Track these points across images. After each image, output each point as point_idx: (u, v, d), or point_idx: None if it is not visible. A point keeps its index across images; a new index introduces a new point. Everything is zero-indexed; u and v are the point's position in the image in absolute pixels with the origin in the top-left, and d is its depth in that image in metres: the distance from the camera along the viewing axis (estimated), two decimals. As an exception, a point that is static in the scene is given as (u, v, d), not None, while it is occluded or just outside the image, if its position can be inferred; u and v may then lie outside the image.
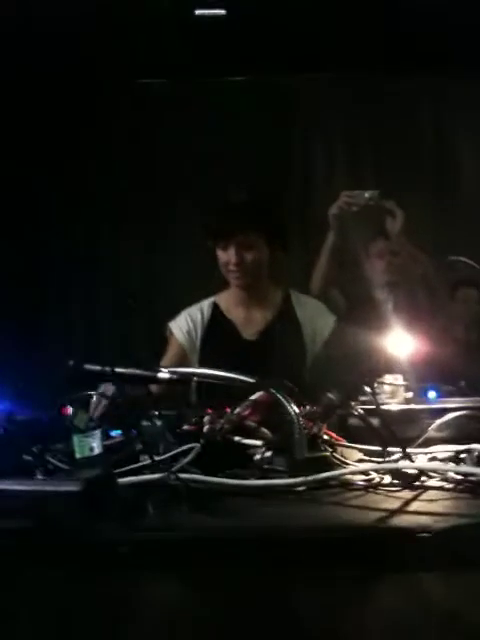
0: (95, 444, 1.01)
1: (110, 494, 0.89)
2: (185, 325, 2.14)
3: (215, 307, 2.17)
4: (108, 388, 1.37)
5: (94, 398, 1.43)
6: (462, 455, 1.09)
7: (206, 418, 1.28)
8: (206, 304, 2.18)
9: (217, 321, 2.13)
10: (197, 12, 3.07)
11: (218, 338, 2.10)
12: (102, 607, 0.78)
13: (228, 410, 1.26)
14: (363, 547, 0.75)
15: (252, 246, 2.02)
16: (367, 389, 1.20)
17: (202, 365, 2.06)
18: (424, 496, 0.98)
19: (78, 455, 1.00)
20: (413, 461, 1.09)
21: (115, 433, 1.35)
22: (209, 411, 1.31)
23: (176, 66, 3.27)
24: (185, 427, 1.29)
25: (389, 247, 2.68)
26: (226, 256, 2.03)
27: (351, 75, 3.56)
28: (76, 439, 1.01)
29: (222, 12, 3.08)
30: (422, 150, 3.73)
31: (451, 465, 1.08)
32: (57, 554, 0.77)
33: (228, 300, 2.17)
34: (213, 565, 0.77)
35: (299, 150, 3.76)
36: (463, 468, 1.04)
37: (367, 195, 2.51)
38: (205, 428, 1.25)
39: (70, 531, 0.81)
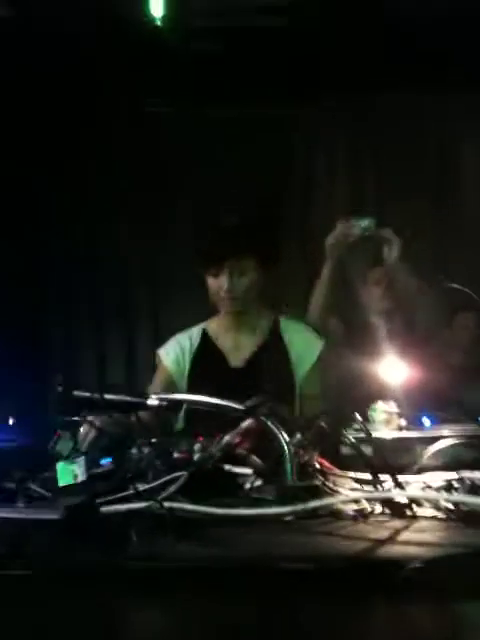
0: (79, 471, 0.99)
1: (92, 522, 0.86)
2: (173, 352, 2.12)
3: (204, 334, 2.15)
4: (97, 417, 1.36)
5: (83, 428, 1.42)
6: (454, 484, 1.06)
7: (197, 446, 1.26)
8: (196, 331, 2.16)
9: (206, 348, 2.12)
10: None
11: (205, 366, 2.08)
12: (82, 638, 0.75)
13: (219, 437, 1.24)
14: (352, 578, 0.73)
15: (244, 272, 2.01)
16: (358, 417, 1.18)
17: (190, 393, 2.04)
18: (415, 526, 0.96)
19: (61, 483, 0.98)
20: (404, 490, 1.07)
21: (105, 461, 1.33)
22: (200, 439, 1.29)
23: (176, 86, 3.30)
24: (176, 455, 1.27)
25: (386, 274, 2.67)
26: (217, 283, 2.02)
27: (349, 99, 3.59)
28: (60, 466, 0.98)
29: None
30: (423, 173, 3.73)
31: (443, 494, 1.05)
32: (34, 583, 0.74)
33: (218, 326, 2.15)
34: (197, 595, 0.74)
35: (298, 175, 3.77)
36: (454, 497, 1.01)
37: (363, 224, 2.51)
38: (196, 456, 1.24)
39: (48, 559, 0.78)
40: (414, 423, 1.47)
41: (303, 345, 2.10)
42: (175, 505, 0.98)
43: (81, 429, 1.45)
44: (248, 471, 1.17)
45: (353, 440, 1.16)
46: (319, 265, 2.58)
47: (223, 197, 3.16)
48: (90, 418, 1.36)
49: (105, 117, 3.59)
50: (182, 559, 0.78)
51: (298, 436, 1.17)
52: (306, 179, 3.78)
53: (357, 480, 1.21)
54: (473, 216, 3.67)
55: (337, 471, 1.24)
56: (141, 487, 1.07)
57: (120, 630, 0.72)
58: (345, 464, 1.25)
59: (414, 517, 0.99)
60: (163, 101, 3.51)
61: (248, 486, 1.14)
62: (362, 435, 1.28)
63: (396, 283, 2.67)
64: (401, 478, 1.20)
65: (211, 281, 2.03)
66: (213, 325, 2.16)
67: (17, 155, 3.34)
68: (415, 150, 3.71)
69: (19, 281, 3.36)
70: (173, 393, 1.96)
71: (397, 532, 0.92)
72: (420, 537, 0.89)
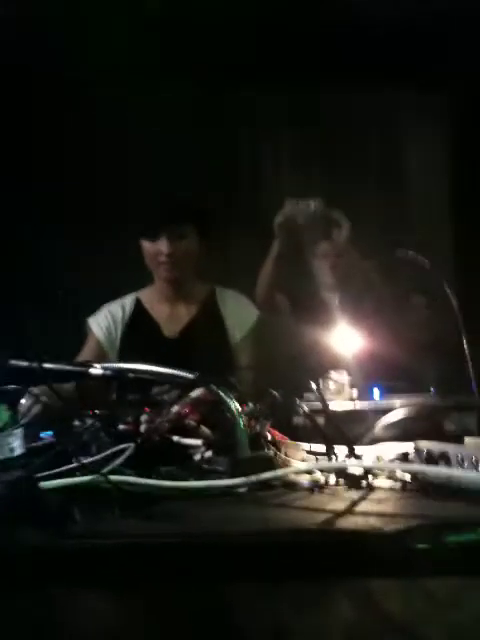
0: (16, 444, 0.90)
1: (30, 499, 0.78)
2: (104, 321, 2.04)
3: (138, 303, 2.08)
4: (38, 388, 1.27)
5: (24, 399, 1.32)
6: (410, 454, 1.02)
7: (143, 417, 1.18)
8: (128, 300, 2.09)
9: (139, 318, 2.05)
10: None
11: (138, 336, 2.02)
12: (22, 624, 0.67)
13: (167, 408, 1.17)
14: (310, 552, 0.67)
15: (184, 236, 1.94)
16: (313, 386, 1.13)
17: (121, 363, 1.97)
18: (372, 496, 0.91)
19: (-2, 456, 0.90)
20: (360, 459, 1.02)
21: (45, 434, 1.24)
22: (146, 409, 1.22)
23: (114, 65, 3.15)
24: (121, 426, 1.19)
25: (333, 249, 2.64)
26: (156, 246, 1.94)
27: (296, 82, 3.51)
28: (-5, 438, 0.90)
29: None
30: (368, 150, 3.71)
31: (399, 463, 1.01)
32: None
33: (152, 296, 2.08)
34: (144, 574, 0.67)
35: (242, 153, 3.69)
36: (411, 466, 0.97)
37: (312, 205, 2.47)
38: (142, 427, 1.16)
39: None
40: (365, 394, 1.44)
41: (238, 314, 2.06)
42: (121, 478, 0.91)
43: (22, 401, 1.36)
44: (198, 442, 1.10)
45: (306, 410, 1.11)
46: (268, 243, 2.54)
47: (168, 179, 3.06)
48: (34, 390, 1.27)
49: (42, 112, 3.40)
50: (127, 535, 0.70)
51: (250, 405, 1.11)
52: (253, 160, 3.71)
53: (310, 452, 1.16)
54: (421, 200, 3.67)
55: (290, 442, 1.18)
56: (84, 461, 1.00)
57: (62, 617, 0.65)
58: (297, 435, 1.21)
59: (371, 488, 0.94)
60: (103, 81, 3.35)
61: (198, 457, 1.07)
62: (315, 405, 1.23)
63: (343, 257, 2.64)
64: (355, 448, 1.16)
65: (148, 245, 1.95)
66: (147, 294, 2.09)
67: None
68: (362, 136, 3.68)
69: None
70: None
71: (354, 503, 0.87)
72: (378, 508, 0.84)
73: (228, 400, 1.07)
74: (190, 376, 1.12)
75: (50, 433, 1.24)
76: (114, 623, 0.66)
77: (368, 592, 0.66)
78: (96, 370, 1.13)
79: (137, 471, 0.99)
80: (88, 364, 1.14)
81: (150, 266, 1.98)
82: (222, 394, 1.07)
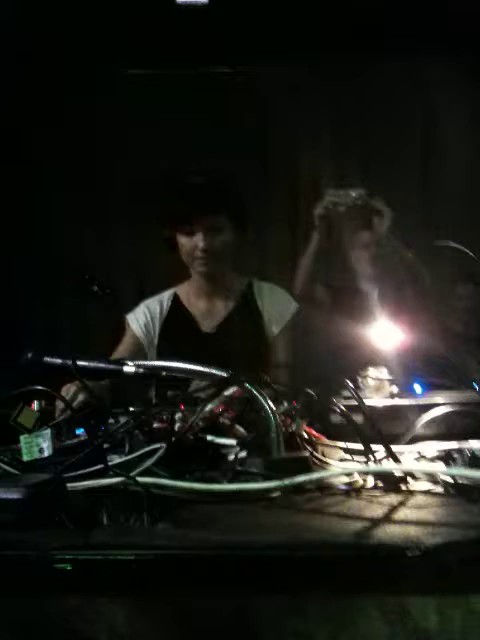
0: (45, 445, 0.88)
1: (57, 503, 0.76)
2: (142, 318, 2.02)
3: (175, 298, 2.04)
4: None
5: (64, 389, 1.31)
6: (453, 455, 0.96)
7: (177, 415, 1.15)
8: (166, 296, 2.06)
9: (176, 314, 2.01)
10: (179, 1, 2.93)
11: (176, 332, 1.98)
12: (41, 634, 0.65)
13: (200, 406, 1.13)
14: (342, 567, 0.63)
15: (220, 230, 1.89)
16: (349, 384, 1.08)
17: (160, 359, 1.94)
18: (411, 501, 0.86)
19: (26, 457, 0.87)
20: (399, 461, 0.97)
21: (80, 431, 1.22)
22: (181, 407, 1.19)
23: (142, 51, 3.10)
24: (155, 425, 1.16)
25: (374, 239, 2.56)
26: (192, 242, 1.90)
27: (338, 65, 3.41)
28: (23, 440, 0.88)
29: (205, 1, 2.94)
30: (411, 140, 3.59)
31: (441, 466, 0.96)
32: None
33: (189, 291, 2.04)
34: (164, 586, 0.64)
35: (281, 144, 3.61)
36: (454, 470, 0.91)
37: (354, 194, 2.39)
38: (176, 426, 1.13)
39: (6, 546, 0.68)
40: (406, 390, 1.37)
41: (276, 307, 2.00)
42: (151, 480, 0.88)
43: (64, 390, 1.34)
44: (232, 442, 1.06)
45: (343, 409, 1.06)
46: (308, 234, 2.48)
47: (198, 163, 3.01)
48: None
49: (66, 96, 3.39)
50: (150, 546, 0.67)
51: (285, 405, 1.07)
52: (293, 149, 3.62)
53: (348, 450, 1.11)
54: (462, 187, 3.54)
55: (326, 441, 1.14)
56: (117, 460, 0.97)
57: (78, 626, 0.62)
58: (335, 434, 1.16)
59: (410, 492, 0.89)
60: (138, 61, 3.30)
61: (232, 458, 1.04)
62: (352, 403, 1.18)
63: (385, 251, 2.56)
64: (394, 448, 1.11)
65: (184, 240, 1.91)
66: (184, 289, 2.05)
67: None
68: (404, 118, 3.56)
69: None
70: (141, 360, 1.87)
71: (392, 509, 0.82)
72: (418, 515, 0.79)
73: (262, 399, 1.03)
74: (223, 374, 1.08)
75: (82, 430, 1.22)
76: (130, 634, 0.63)
77: (402, 610, 0.61)
78: (129, 368, 1.10)
79: (170, 471, 0.96)
80: (122, 362, 1.12)
81: (186, 261, 1.95)
82: (255, 392, 1.03)
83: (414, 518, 0.77)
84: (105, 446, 1.08)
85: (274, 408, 1.02)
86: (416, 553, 0.62)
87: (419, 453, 1.10)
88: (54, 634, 0.64)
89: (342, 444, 1.12)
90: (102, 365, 1.10)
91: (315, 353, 2.09)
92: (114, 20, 2.98)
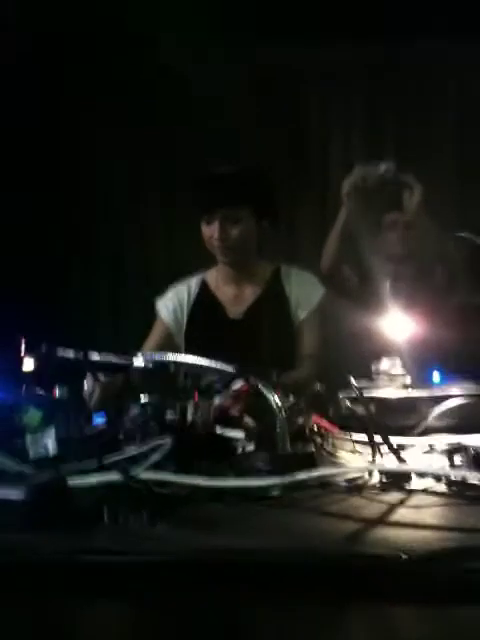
0: (50, 444, 0.88)
1: (58, 504, 0.76)
2: (171, 304, 2.00)
3: (203, 284, 2.02)
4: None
5: (86, 384, 1.32)
6: (458, 453, 0.93)
7: (190, 407, 1.15)
8: (194, 281, 2.03)
9: (204, 299, 1.99)
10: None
11: (203, 317, 1.96)
12: (35, 636, 0.65)
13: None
14: (331, 575, 0.61)
15: (238, 220, 1.87)
16: (352, 381, 1.05)
17: (187, 345, 1.93)
18: (411, 501, 0.83)
19: (32, 455, 0.88)
20: (402, 459, 0.94)
21: (99, 419, 1.23)
22: (196, 399, 1.18)
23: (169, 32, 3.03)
24: (168, 416, 1.16)
25: (403, 218, 2.48)
26: (210, 231, 1.88)
27: (366, 44, 3.30)
28: (29, 438, 0.88)
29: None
30: (443, 117, 3.46)
31: (443, 467, 0.93)
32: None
33: (217, 276, 2.02)
34: (156, 591, 0.64)
35: (309, 122, 3.52)
36: (451, 471, 0.88)
37: (383, 168, 2.31)
38: (188, 417, 1.13)
39: (6, 549, 0.68)
40: (423, 381, 1.34)
41: (303, 291, 1.96)
42: (154, 476, 0.88)
43: (85, 385, 1.35)
44: (240, 435, 1.05)
45: (349, 404, 1.04)
46: (332, 215, 2.42)
47: (228, 146, 2.95)
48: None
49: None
50: (143, 552, 0.66)
51: (292, 398, 1.06)
52: (323, 127, 3.53)
53: (357, 441, 1.09)
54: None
55: (337, 432, 1.12)
56: (129, 453, 0.97)
57: (74, 632, 0.62)
58: (347, 425, 1.14)
59: (409, 491, 0.86)
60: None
61: (240, 451, 1.03)
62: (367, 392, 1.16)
63: (414, 228, 2.49)
64: (404, 441, 1.08)
65: (204, 228, 1.89)
66: (213, 275, 2.03)
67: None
68: (436, 96, 3.43)
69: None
70: (170, 347, 1.86)
71: (391, 509, 0.80)
72: (416, 517, 0.77)
73: (268, 393, 1.01)
74: (230, 369, 1.07)
75: (102, 418, 1.22)
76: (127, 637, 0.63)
77: (387, 620, 0.59)
78: (139, 362, 1.10)
79: (178, 465, 0.96)
80: (131, 355, 1.11)
81: (209, 248, 1.93)
82: (262, 387, 1.02)
83: (410, 520, 0.75)
84: (120, 437, 1.09)
85: (280, 403, 1.01)
86: (406, 560, 0.60)
87: (430, 446, 1.07)
88: (53, 637, 0.64)
89: (353, 436, 1.10)
90: (113, 359, 1.10)
91: (341, 338, 2.05)
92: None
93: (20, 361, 1.02)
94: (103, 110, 3.31)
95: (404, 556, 0.61)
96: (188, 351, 1.87)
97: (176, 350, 1.91)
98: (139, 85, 3.28)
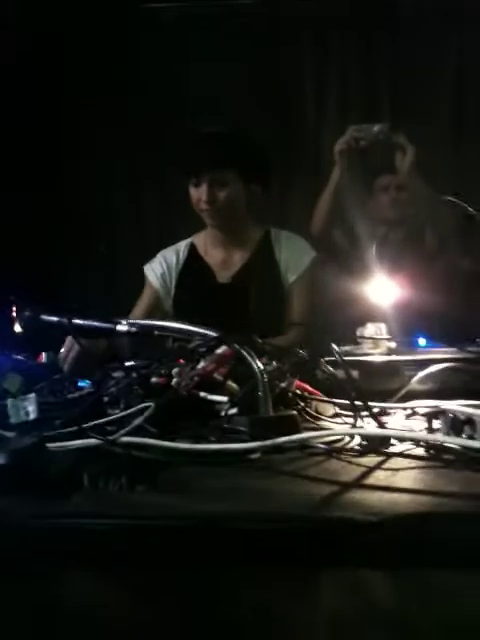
0: (31, 408, 0.88)
1: (38, 468, 0.76)
2: (159, 268, 1.99)
3: (192, 248, 2.00)
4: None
5: (65, 345, 1.31)
6: (437, 418, 0.93)
7: (174, 370, 1.14)
8: (183, 245, 2.02)
9: (193, 264, 1.98)
10: None
11: (191, 282, 1.95)
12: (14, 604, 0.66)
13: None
14: (295, 539, 0.62)
15: (225, 183, 1.84)
16: (334, 347, 1.04)
17: (176, 310, 1.92)
18: (389, 464, 0.84)
19: (13, 420, 0.88)
20: (381, 423, 0.94)
21: (83, 384, 1.23)
22: (180, 362, 1.18)
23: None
24: (154, 380, 1.16)
25: (395, 181, 2.46)
26: (198, 193, 1.85)
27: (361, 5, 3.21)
28: (10, 403, 0.88)
29: None
30: (439, 77, 3.39)
31: (419, 431, 0.93)
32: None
33: (206, 240, 1.99)
34: (130, 555, 0.64)
35: (300, 81, 3.44)
36: (429, 436, 0.89)
37: (376, 129, 2.28)
38: (173, 382, 1.12)
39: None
40: (409, 345, 1.34)
41: (293, 255, 1.95)
42: (133, 440, 0.88)
43: (62, 349, 1.34)
44: (223, 399, 1.05)
45: (331, 370, 1.03)
46: (324, 177, 2.39)
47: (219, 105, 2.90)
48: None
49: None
50: (114, 516, 0.66)
51: (274, 364, 1.05)
52: (317, 88, 3.45)
53: (338, 405, 1.09)
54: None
55: (319, 396, 1.12)
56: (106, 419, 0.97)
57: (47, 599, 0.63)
58: (329, 390, 1.14)
59: (388, 455, 0.87)
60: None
61: (222, 414, 1.03)
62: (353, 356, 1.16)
63: (406, 191, 2.46)
64: (386, 405, 1.09)
65: (192, 191, 1.87)
66: (201, 239, 2.01)
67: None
68: (432, 58, 3.34)
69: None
70: (159, 312, 1.86)
71: (368, 472, 0.80)
72: (391, 480, 0.77)
73: (250, 358, 1.01)
74: (213, 335, 1.06)
75: (87, 382, 1.23)
76: (97, 604, 0.63)
77: (356, 582, 0.60)
78: (122, 327, 1.09)
79: (160, 430, 0.96)
80: (115, 321, 1.11)
81: (197, 211, 1.91)
82: (244, 353, 1.02)
83: (386, 483, 0.76)
84: (105, 400, 1.09)
85: (262, 367, 1.01)
86: (374, 523, 0.61)
87: (411, 409, 1.08)
88: (28, 603, 0.65)
89: (335, 400, 1.10)
90: (96, 323, 1.09)
91: (328, 302, 2.05)
92: None
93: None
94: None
95: (374, 519, 0.62)
96: (177, 315, 1.87)
97: (165, 314, 1.90)
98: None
